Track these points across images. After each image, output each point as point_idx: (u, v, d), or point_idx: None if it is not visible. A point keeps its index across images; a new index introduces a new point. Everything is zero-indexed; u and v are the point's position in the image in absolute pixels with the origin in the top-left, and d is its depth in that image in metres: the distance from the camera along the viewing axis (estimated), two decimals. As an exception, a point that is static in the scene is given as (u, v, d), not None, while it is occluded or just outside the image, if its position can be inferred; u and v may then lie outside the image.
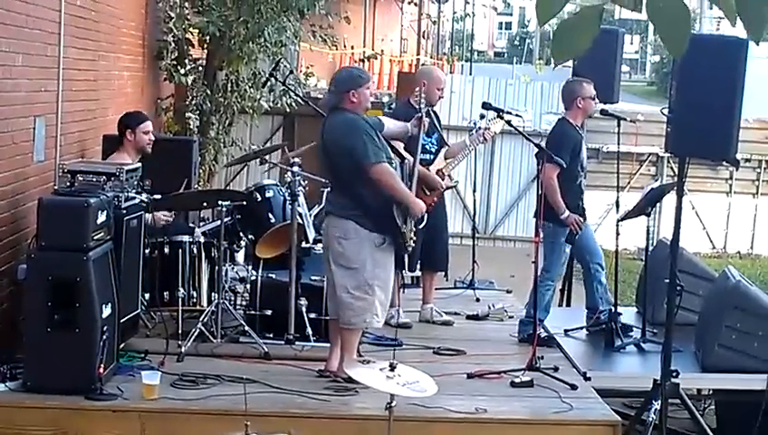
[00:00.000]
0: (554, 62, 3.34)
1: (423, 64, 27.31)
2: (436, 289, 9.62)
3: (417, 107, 7.82)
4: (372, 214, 7.07)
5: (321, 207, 8.34)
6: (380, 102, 14.76)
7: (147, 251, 7.90)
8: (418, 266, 9.31)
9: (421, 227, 8.75)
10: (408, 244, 7.22)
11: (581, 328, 8.98)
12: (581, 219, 8.65)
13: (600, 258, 9.03)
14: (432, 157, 8.85)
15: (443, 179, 8.89)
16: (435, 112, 8.98)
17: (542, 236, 8.27)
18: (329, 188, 7.55)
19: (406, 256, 8.66)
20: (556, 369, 7.66)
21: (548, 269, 8.57)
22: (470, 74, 32.77)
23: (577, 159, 8.62)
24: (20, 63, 7.31)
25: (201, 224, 8.67)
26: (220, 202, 7.92)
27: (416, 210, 7.21)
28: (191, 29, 11.99)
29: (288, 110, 13.10)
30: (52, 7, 7.93)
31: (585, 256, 9.09)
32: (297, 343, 7.89)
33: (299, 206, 7.95)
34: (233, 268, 8.54)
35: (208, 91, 12.22)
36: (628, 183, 16.38)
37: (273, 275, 8.20)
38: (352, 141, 7.01)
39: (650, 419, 7.09)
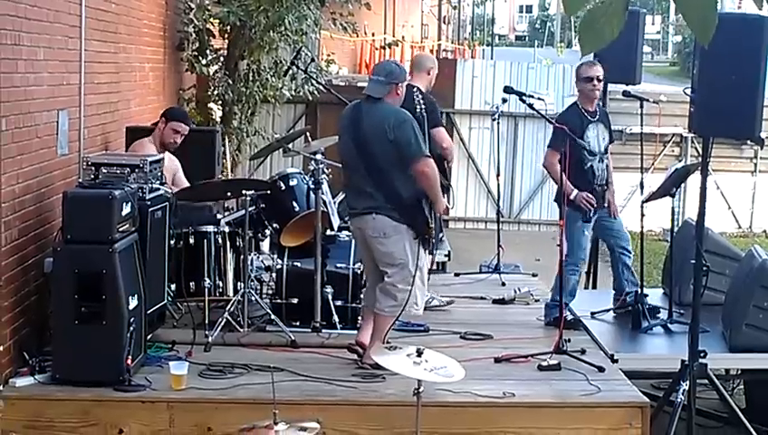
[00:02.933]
0: (582, 53, 3.34)
1: (444, 50, 27.32)
2: (462, 274, 9.54)
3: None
4: (404, 207, 7.03)
5: (345, 195, 8.27)
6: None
7: (172, 242, 7.91)
8: None
9: None
10: (433, 238, 7.21)
11: (608, 310, 8.96)
12: (590, 196, 8.56)
13: (626, 242, 8.96)
14: None
15: None
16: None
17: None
18: (349, 188, 7.36)
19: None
20: (583, 351, 7.66)
21: (569, 254, 8.50)
22: (491, 58, 32.83)
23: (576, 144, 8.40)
24: (42, 57, 7.33)
25: (226, 214, 8.67)
26: (244, 192, 7.93)
27: (440, 207, 7.24)
28: (212, 19, 12.01)
29: (310, 98, 13.11)
30: (72, 1, 7.94)
31: (610, 240, 9.06)
32: (324, 330, 7.90)
33: (323, 194, 7.94)
34: (258, 257, 8.55)
35: (230, 81, 12.24)
36: (653, 164, 16.28)
37: (299, 264, 8.20)
38: (404, 132, 6.98)
39: (678, 400, 7.08)
